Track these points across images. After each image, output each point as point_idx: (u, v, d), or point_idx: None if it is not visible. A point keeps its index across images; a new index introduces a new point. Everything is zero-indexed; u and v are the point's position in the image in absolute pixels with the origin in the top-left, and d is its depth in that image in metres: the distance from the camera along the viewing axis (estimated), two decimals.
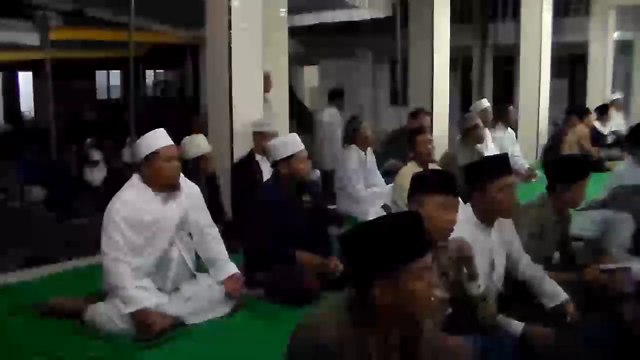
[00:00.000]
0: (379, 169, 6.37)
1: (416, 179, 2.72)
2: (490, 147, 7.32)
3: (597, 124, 9.57)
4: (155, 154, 3.34)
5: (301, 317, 1.96)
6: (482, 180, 2.97)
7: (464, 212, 3.04)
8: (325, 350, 1.75)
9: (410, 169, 4.83)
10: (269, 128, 5.27)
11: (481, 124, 6.40)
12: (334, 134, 7.80)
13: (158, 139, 3.40)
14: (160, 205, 3.37)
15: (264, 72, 6.31)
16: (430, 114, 7.37)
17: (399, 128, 7.20)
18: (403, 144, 6.78)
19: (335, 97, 8.19)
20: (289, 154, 3.97)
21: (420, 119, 6.90)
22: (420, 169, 4.84)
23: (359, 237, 1.81)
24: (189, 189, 3.54)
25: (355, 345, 1.80)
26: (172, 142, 3.44)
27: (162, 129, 3.48)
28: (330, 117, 7.96)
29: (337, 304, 1.89)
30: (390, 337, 1.90)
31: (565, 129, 8.68)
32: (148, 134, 3.42)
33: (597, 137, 9.08)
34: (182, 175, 3.55)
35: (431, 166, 5.06)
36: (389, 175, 6.55)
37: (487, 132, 7.46)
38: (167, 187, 3.39)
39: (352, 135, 6.07)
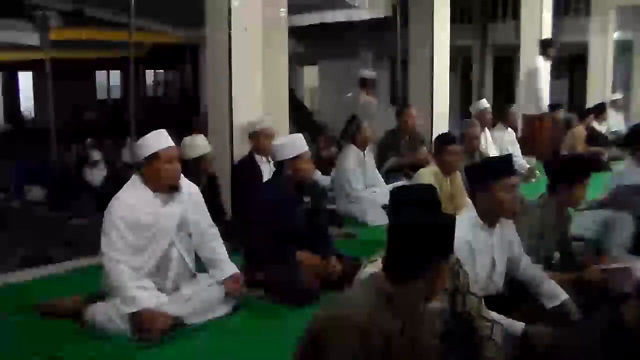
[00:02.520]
0: (378, 169, 6.37)
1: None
2: (490, 147, 7.32)
3: (594, 124, 9.58)
4: (155, 155, 3.33)
5: (301, 317, 1.98)
6: (485, 180, 2.97)
7: (468, 212, 3.05)
8: (356, 332, 1.88)
9: (432, 170, 4.77)
10: (264, 126, 5.26)
11: (478, 133, 6.35)
12: None
13: (159, 140, 3.38)
14: (160, 206, 3.36)
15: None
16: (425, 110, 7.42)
17: (392, 129, 7.22)
18: (397, 143, 6.85)
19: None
20: (295, 154, 3.96)
21: (407, 116, 6.92)
22: (441, 174, 4.77)
23: (417, 235, 1.96)
24: (189, 189, 3.54)
25: (383, 333, 1.93)
26: (172, 143, 3.43)
27: (163, 129, 3.47)
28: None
29: (363, 297, 1.99)
30: (410, 327, 2.02)
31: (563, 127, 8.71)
32: (149, 134, 3.41)
33: (595, 137, 9.08)
34: (182, 175, 3.54)
35: (453, 174, 4.89)
36: (391, 173, 6.56)
37: (487, 132, 7.47)
38: (167, 188, 3.38)
39: (352, 135, 6.06)
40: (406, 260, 1.97)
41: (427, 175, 4.68)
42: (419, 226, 1.97)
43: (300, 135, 4.19)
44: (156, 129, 3.44)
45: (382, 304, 1.96)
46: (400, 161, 6.73)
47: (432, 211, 2.50)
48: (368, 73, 7.83)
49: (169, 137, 3.43)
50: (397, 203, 2.63)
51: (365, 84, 7.67)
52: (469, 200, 4.80)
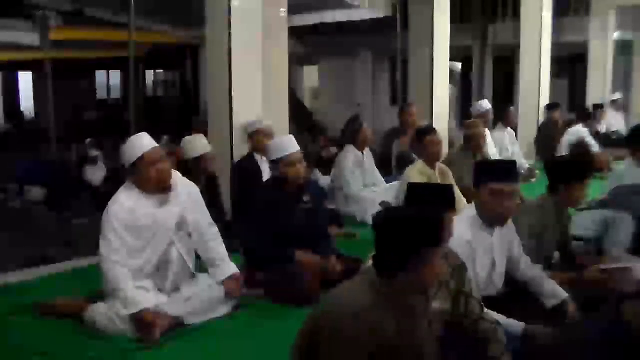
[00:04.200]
0: (386, 162, 6.41)
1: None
2: (490, 147, 7.32)
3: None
4: (140, 160, 3.31)
5: (301, 318, 2.00)
6: (477, 181, 3.01)
7: (469, 211, 3.05)
8: (352, 327, 1.93)
9: (418, 169, 4.77)
10: (263, 126, 5.27)
11: (484, 133, 6.35)
12: None
13: (140, 144, 3.36)
14: (156, 208, 3.35)
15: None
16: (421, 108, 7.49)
17: (394, 127, 7.27)
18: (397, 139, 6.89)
19: None
20: (279, 156, 3.96)
21: (407, 114, 7.00)
22: (429, 168, 4.78)
23: (399, 227, 2.01)
24: (188, 189, 3.53)
25: (377, 327, 1.98)
26: (155, 145, 3.40)
27: (144, 132, 3.46)
28: None
29: (357, 292, 2.04)
30: (404, 321, 2.06)
31: (557, 125, 8.72)
32: (131, 139, 3.40)
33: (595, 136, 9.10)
34: (179, 174, 3.54)
35: (438, 166, 4.97)
36: (401, 160, 6.59)
37: (487, 133, 7.47)
38: (159, 189, 3.37)
39: (353, 135, 6.06)
40: (391, 254, 2.01)
41: (415, 173, 4.67)
42: (400, 220, 2.03)
43: (291, 137, 4.16)
44: (156, 129, 3.44)
45: (374, 298, 1.99)
46: (401, 147, 6.78)
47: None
48: (453, 64, 8.25)
49: (151, 139, 3.40)
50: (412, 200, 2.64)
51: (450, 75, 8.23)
52: (463, 199, 4.88)
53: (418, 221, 2.01)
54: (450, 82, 8.25)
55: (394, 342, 2.00)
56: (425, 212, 2.06)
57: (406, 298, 2.08)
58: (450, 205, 2.61)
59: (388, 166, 6.72)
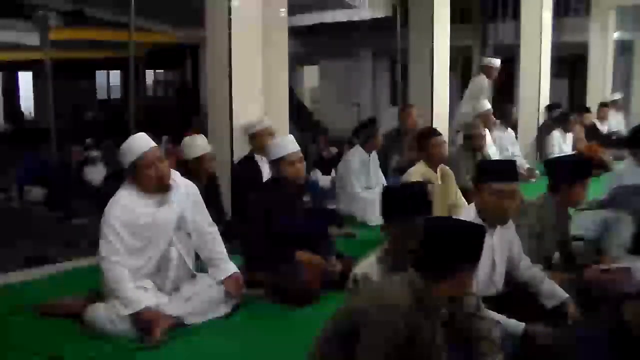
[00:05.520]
0: (385, 168, 6.40)
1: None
2: (490, 147, 7.32)
3: (597, 122, 9.62)
4: (138, 160, 3.31)
5: (301, 317, 2.04)
6: (478, 181, 3.01)
7: (468, 211, 3.05)
8: (397, 314, 2.06)
9: (419, 169, 4.77)
10: (264, 125, 5.27)
11: (483, 132, 6.37)
12: None
13: (138, 144, 3.36)
14: (156, 208, 3.35)
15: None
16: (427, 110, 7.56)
17: (395, 128, 7.28)
18: (399, 143, 6.89)
19: None
20: (278, 156, 3.97)
21: (407, 115, 7.04)
22: (431, 170, 4.78)
23: (454, 238, 2.13)
24: (187, 189, 3.53)
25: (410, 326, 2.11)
26: (153, 145, 3.40)
27: (142, 133, 3.46)
28: None
29: (398, 289, 2.15)
30: (428, 326, 2.20)
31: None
32: (128, 140, 3.39)
33: (596, 135, 9.11)
34: (179, 174, 3.54)
35: (440, 167, 4.90)
36: (397, 172, 6.59)
37: (487, 133, 7.47)
38: (159, 189, 3.37)
39: (366, 138, 6.03)
40: (439, 263, 2.13)
41: (416, 175, 4.66)
42: (454, 232, 2.15)
43: (290, 136, 4.19)
44: (156, 129, 3.44)
45: (412, 297, 2.12)
46: (400, 162, 6.76)
47: (423, 207, 2.63)
48: (490, 60, 8.52)
49: (149, 139, 3.40)
50: (390, 200, 2.71)
51: (487, 70, 8.36)
52: (463, 199, 4.88)
53: (471, 235, 2.15)
54: (488, 77, 8.35)
55: (420, 341, 2.12)
56: (476, 227, 2.23)
57: (440, 306, 2.22)
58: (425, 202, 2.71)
59: (385, 167, 6.71)
